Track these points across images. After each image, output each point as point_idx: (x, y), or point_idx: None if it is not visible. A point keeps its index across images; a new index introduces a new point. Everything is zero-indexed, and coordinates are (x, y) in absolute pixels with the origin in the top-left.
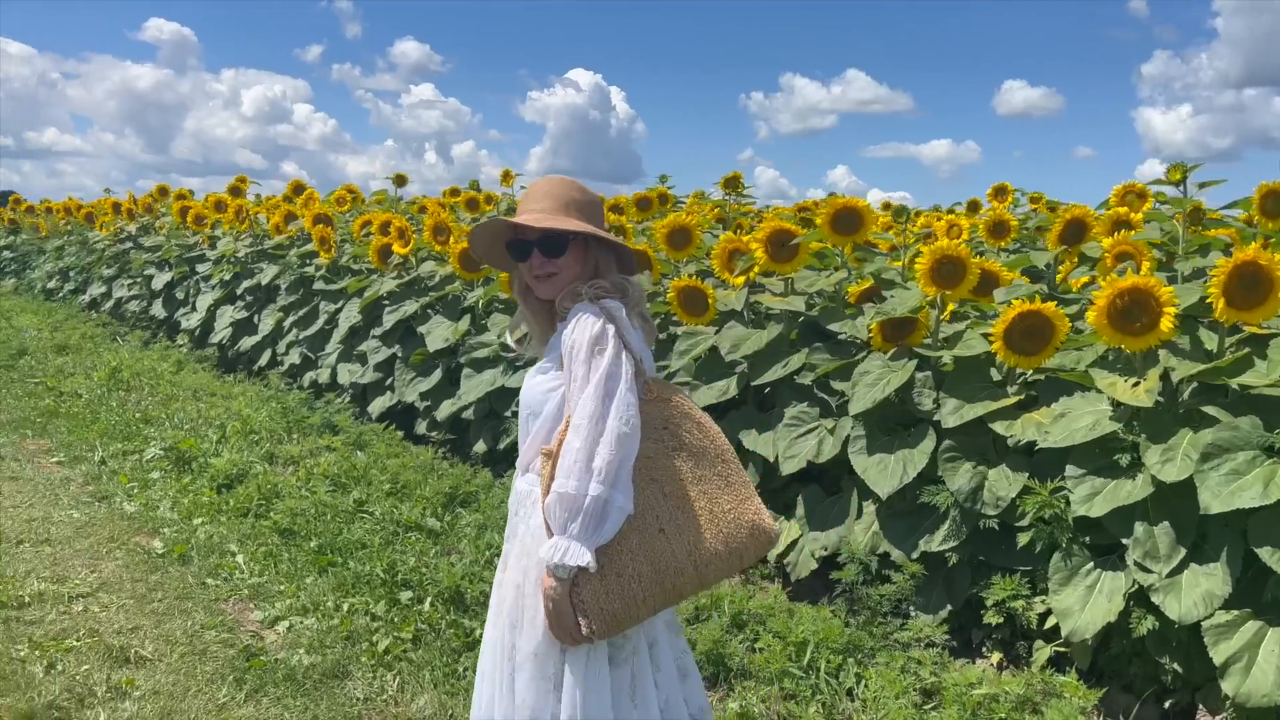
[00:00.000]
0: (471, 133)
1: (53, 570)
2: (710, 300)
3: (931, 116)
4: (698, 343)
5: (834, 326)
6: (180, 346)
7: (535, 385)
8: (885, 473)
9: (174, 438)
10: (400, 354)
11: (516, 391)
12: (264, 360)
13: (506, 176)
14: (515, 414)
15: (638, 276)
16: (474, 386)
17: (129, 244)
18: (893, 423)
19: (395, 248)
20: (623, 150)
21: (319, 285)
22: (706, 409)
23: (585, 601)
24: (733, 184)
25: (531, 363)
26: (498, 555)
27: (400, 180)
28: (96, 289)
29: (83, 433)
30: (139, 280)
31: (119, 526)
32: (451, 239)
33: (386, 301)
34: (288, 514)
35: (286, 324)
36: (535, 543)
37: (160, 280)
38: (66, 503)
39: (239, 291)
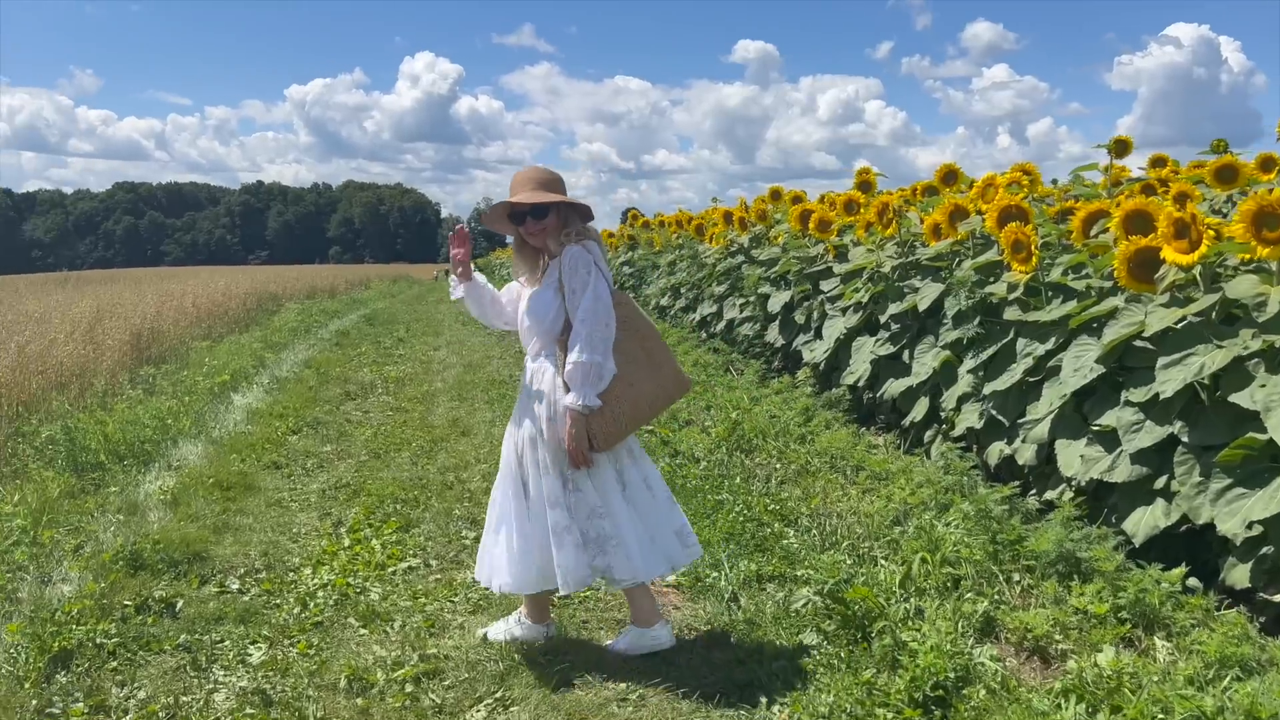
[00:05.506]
0: (1049, 109)
1: None
2: None
3: None
4: None
5: None
6: (804, 384)
7: (542, 300)
8: None
9: (830, 567)
10: (1187, 439)
11: None
12: (918, 413)
13: None
14: None
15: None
16: None
17: (740, 257)
18: None
19: (1167, 253)
20: (1236, 109)
21: (1011, 314)
22: None
23: (594, 428)
24: None
25: None
26: None
27: (1121, 148)
28: (707, 308)
29: (706, 530)
30: (751, 300)
31: None
32: None
33: (1153, 346)
34: None
35: (961, 370)
36: (556, 395)
37: (777, 301)
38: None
39: (882, 319)
